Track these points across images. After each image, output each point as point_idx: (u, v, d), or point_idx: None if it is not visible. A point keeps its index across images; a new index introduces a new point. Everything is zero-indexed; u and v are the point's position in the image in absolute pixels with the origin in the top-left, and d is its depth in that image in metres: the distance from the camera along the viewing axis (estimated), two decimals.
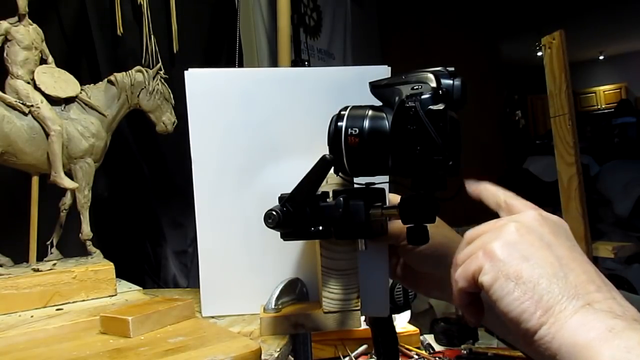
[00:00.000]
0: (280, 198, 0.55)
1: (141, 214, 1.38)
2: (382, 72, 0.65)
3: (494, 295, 0.39)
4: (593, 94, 8.27)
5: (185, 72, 0.71)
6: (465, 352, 1.33)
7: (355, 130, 0.52)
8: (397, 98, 0.50)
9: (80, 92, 0.88)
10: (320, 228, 0.55)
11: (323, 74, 0.72)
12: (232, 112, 0.71)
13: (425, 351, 1.33)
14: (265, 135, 0.71)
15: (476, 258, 0.41)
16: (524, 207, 0.46)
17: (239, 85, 0.71)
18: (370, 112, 0.53)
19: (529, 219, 0.42)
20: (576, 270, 0.38)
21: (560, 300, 0.37)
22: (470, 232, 0.45)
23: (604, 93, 8.23)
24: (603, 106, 8.04)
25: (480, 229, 0.44)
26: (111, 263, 0.85)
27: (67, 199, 0.88)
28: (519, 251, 0.39)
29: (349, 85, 0.67)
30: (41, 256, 0.85)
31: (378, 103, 0.55)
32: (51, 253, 0.87)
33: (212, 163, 0.71)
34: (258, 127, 0.71)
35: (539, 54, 2.57)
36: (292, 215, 0.54)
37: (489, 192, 0.49)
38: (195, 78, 0.71)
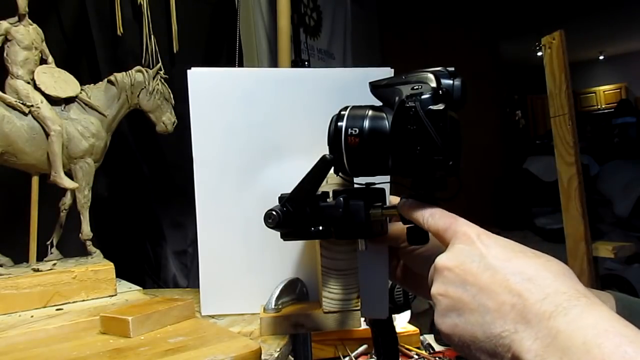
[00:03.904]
0: (280, 198, 0.55)
1: (141, 214, 1.38)
2: (385, 74, 0.65)
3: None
4: (593, 94, 8.27)
5: (188, 71, 0.71)
6: None
7: (355, 130, 0.52)
8: (397, 98, 0.50)
9: (80, 92, 0.88)
10: (320, 228, 0.55)
11: (326, 75, 0.72)
12: (234, 112, 0.71)
13: (425, 351, 1.33)
14: (267, 135, 0.71)
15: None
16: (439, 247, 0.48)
17: (242, 84, 0.71)
18: (370, 112, 0.53)
19: (443, 276, 0.44)
20: (489, 302, 0.40)
21: (495, 349, 0.39)
22: None
23: (604, 93, 8.23)
24: (603, 106, 8.04)
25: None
26: (111, 263, 0.85)
27: (67, 199, 0.88)
28: (451, 317, 0.42)
29: (352, 86, 0.67)
30: (41, 256, 0.85)
31: (379, 103, 0.55)
32: (51, 253, 0.87)
33: (214, 162, 0.71)
34: (260, 127, 0.71)
35: (539, 54, 2.57)
36: (292, 215, 0.54)
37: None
38: (198, 77, 0.71)
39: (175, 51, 1.38)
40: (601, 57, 8.03)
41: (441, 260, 0.44)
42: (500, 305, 0.39)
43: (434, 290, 0.44)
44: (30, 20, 0.85)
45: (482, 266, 0.41)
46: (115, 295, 0.83)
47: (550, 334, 0.35)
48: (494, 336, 0.38)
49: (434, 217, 0.48)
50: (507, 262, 0.41)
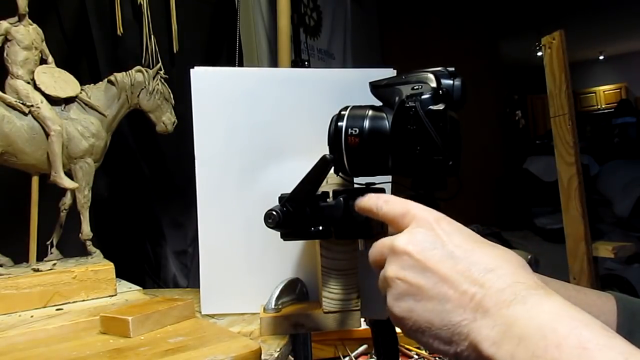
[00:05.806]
0: (281, 198, 0.55)
1: (141, 214, 1.38)
2: (388, 74, 0.65)
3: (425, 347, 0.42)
4: (593, 94, 8.26)
5: (191, 70, 0.71)
6: None
7: (356, 130, 0.52)
8: (397, 98, 0.50)
9: (80, 92, 0.88)
10: (320, 228, 0.55)
11: (328, 75, 0.72)
12: (237, 111, 0.71)
13: (425, 351, 1.33)
14: (269, 134, 0.71)
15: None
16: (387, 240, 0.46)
17: (244, 84, 0.71)
18: (370, 112, 0.53)
19: (402, 260, 0.43)
20: (450, 291, 0.40)
21: (451, 337, 0.39)
22: None
23: (604, 93, 8.23)
24: (603, 106, 8.03)
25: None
26: (111, 263, 0.85)
27: (67, 199, 0.88)
28: (407, 302, 0.42)
29: (354, 87, 0.67)
30: (41, 256, 0.85)
31: (379, 104, 0.55)
32: (51, 253, 0.87)
33: (215, 161, 0.71)
34: (262, 127, 0.71)
35: (539, 54, 2.57)
36: (292, 215, 0.54)
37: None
38: (201, 76, 0.71)
39: (175, 51, 1.38)
40: (601, 57, 8.02)
41: (401, 243, 0.43)
42: (461, 295, 0.39)
43: (392, 272, 0.43)
44: (30, 20, 0.85)
45: (444, 255, 0.41)
46: (115, 295, 0.83)
47: (508, 321, 0.36)
48: (452, 324, 0.39)
49: (388, 204, 0.47)
50: (469, 252, 0.41)
